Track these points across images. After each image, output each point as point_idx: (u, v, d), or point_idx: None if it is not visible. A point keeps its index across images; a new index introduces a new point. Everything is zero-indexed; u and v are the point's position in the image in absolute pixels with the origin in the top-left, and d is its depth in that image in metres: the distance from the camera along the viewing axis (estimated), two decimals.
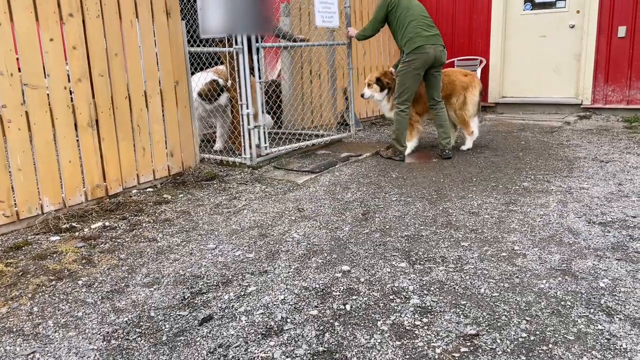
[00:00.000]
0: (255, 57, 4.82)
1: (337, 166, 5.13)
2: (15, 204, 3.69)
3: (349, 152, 5.64)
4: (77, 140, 4.05)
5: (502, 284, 2.66)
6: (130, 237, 3.48)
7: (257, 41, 4.82)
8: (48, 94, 3.83)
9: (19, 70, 3.64)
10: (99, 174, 4.24)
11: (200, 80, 5.43)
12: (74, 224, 3.76)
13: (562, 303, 2.46)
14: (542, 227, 3.41)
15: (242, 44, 4.70)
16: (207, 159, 5.30)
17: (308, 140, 5.86)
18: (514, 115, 8.17)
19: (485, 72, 8.27)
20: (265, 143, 5.06)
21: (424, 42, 5.08)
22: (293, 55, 6.35)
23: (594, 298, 2.49)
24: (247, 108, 4.83)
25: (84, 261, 3.11)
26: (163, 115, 4.77)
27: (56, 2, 3.83)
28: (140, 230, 3.61)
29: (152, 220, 3.79)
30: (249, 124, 4.89)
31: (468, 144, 5.75)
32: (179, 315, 2.48)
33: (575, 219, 3.53)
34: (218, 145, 5.78)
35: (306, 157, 5.54)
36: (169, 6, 4.72)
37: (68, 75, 3.97)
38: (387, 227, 3.51)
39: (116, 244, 3.38)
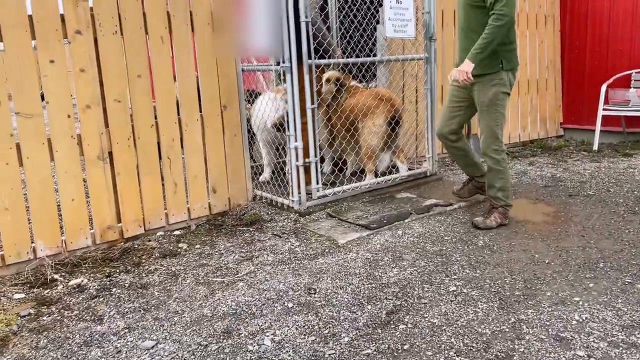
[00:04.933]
0: (306, 77, 3.81)
1: (407, 220, 3.84)
2: (0, 247, 3.29)
3: (438, 199, 4.24)
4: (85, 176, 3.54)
5: None
6: (81, 309, 2.78)
7: (309, 57, 3.81)
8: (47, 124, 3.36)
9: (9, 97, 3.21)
10: (112, 214, 3.67)
11: (267, 105, 4.51)
12: (58, 276, 3.22)
13: None
14: None
15: (290, 61, 3.75)
16: (259, 197, 4.44)
17: (385, 176, 4.62)
18: None
19: None
20: (317, 184, 4.03)
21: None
22: (390, 69, 5.15)
23: None
24: (295, 141, 3.86)
25: None
26: (204, 146, 4.07)
27: (59, 18, 3.33)
28: (102, 299, 2.89)
29: (128, 285, 3.06)
30: (297, 160, 3.92)
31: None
32: None
33: None
34: (265, 174, 4.85)
35: (378, 201, 4.30)
36: (215, 17, 4.00)
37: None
38: (405, 347, 2.27)
39: (59, 318, 2.70)
